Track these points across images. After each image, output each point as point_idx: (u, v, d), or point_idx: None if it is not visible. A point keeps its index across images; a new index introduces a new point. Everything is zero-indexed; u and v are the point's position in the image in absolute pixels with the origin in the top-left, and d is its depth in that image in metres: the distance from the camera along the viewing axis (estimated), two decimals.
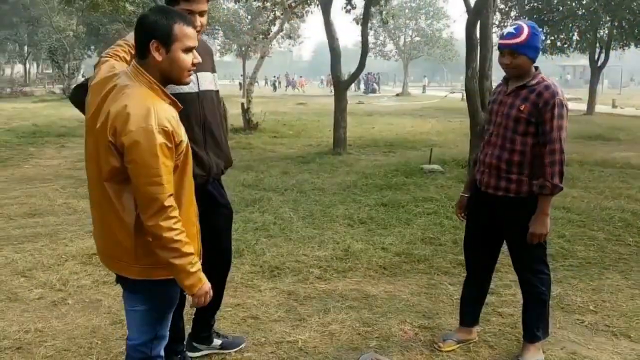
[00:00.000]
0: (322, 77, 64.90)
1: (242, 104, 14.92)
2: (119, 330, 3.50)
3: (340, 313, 3.86)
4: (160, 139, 1.93)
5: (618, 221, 6.18)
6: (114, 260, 2.17)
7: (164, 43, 2.01)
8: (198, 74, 2.78)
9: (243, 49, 33.99)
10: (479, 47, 8.01)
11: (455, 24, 77.36)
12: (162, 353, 2.32)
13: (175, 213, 2.01)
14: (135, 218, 2.04)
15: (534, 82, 3.03)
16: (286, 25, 22.25)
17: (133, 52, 2.35)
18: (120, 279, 2.23)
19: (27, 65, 39.28)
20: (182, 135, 2.06)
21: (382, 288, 4.32)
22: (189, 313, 3.30)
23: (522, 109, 3.01)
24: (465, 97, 30.03)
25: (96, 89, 2.09)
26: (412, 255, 5.02)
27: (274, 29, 16.62)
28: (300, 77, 54.55)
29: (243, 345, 3.34)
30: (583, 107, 23.86)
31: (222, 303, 3.81)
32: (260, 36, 17.84)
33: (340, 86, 11.35)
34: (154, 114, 1.94)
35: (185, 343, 3.14)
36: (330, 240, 5.39)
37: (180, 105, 2.14)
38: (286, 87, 53.32)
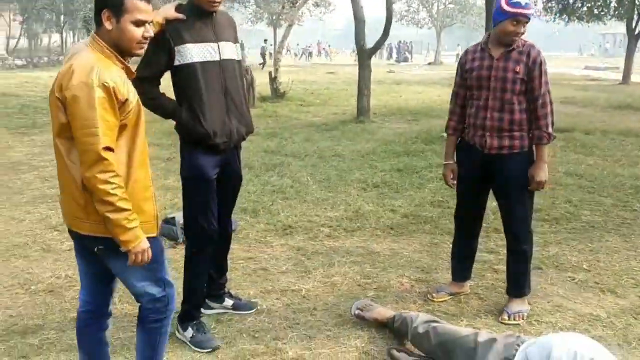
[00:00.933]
0: (354, 46, 64.26)
1: (270, 73, 15.12)
2: None
3: (344, 267, 4.14)
4: (99, 92, 2.02)
5: (629, 188, 6.28)
6: (72, 216, 2.24)
7: (114, 13, 2.11)
8: (220, 43, 2.92)
9: (274, 17, 33.96)
10: None
11: None
12: (174, 294, 2.43)
13: (112, 167, 2.07)
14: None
15: (520, 44, 3.25)
16: None
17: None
18: (95, 249, 2.25)
19: (64, 35, 39.97)
20: (129, 94, 2.14)
21: (386, 246, 4.59)
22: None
23: (517, 70, 3.21)
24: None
25: (65, 60, 2.23)
26: (419, 216, 5.25)
27: None
28: (329, 45, 54.02)
29: (254, 310, 3.43)
30: (620, 76, 23.35)
31: (235, 257, 4.16)
32: (288, 4, 17.91)
33: (364, 55, 11.46)
34: (96, 70, 2.04)
35: (201, 310, 3.28)
36: (343, 202, 5.65)
37: (133, 72, 2.28)
38: (317, 55, 53.10)
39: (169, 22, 2.80)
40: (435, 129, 10.05)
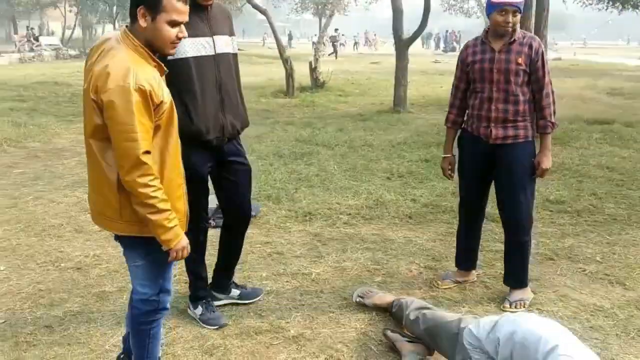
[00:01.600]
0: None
1: (310, 63, 15.25)
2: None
3: (356, 253, 4.27)
4: (136, 96, 2.02)
5: None
6: (103, 217, 2.30)
7: (150, 11, 2.10)
8: (214, 37, 2.97)
9: (320, 7, 34.05)
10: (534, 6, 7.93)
11: None
12: (169, 305, 2.50)
13: (152, 171, 2.10)
14: (118, 175, 2.14)
15: (520, 35, 3.32)
16: None
17: None
18: (117, 237, 2.37)
19: (116, 25, 41.13)
20: (164, 96, 2.16)
21: (402, 234, 4.68)
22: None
23: (519, 61, 3.27)
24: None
25: (91, 54, 2.22)
26: (439, 206, 5.32)
27: None
28: (374, 35, 53.33)
29: (260, 297, 3.52)
30: None
31: (253, 241, 4.34)
32: None
33: (401, 45, 11.46)
34: (132, 73, 2.04)
35: (208, 290, 3.40)
36: (365, 191, 5.76)
37: (165, 69, 2.28)
38: (364, 45, 52.81)
39: None
40: None
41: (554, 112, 3.37)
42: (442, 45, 47.01)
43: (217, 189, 3.28)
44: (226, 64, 3.06)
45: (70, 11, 40.58)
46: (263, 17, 15.72)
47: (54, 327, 3.19)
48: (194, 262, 3.28)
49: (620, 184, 6.10)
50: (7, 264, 4.01)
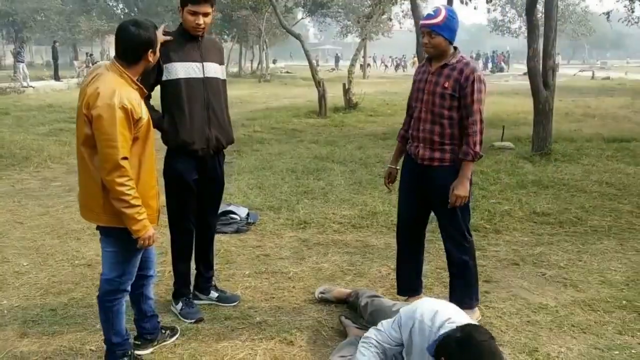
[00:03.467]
0: None
1: (344, 85, 15.78)
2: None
3: (336, 256, 4.69)
4: (120, 113, 2.55)
5: None
6: (89, 210, 2.80)
7: (154, 49, 2.80)
8: (204, 63, 3.46)
9: (362, 30, 34.71)
10: (543, 27, 8.20)
11: None
12: (129, 288, 2.95)
13: (127, 173, 2.60)
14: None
15: (454, 60, 3.33)
16: (396, 6, 22.63)
17: None
18: (98, 227, 2.87)
19: None
20: (142, 114, 2.68)
21: (383, 241, 5.07)
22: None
23: (446, 85, 3.30)
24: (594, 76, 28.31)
25: (86, 79, 2.78)
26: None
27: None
28: (413, 56, 53.40)
29: (236, 303, 3.81)
30: None
31: (246, 245, 4.82)
32: (363, 19, 18.51)
33: None
34: (117, 94, 2.57)
35: (190, 288, 3.81)
36: (362, 203, 6.17)
37: (145, 91, 2.85)
38: (411, 66, 53.13)
39: (161, 44, 3.30)
40: (488, 140, 10.22)
41: (479, 142, 3.30)
42: (489, 65, 46.81)
43: (193, 199, 3.68)
44: (214, 87, 3.53)
45: None
46: (315, 40, 16.38)
47: (58, 311, 3.74)
48: (180, 261, 3.76)
49: (613, 198, 6.30)
50: (29, 261, 4.62)
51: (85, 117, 2.62)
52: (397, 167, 3.77)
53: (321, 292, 3.86)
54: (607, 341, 3.33)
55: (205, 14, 3.38)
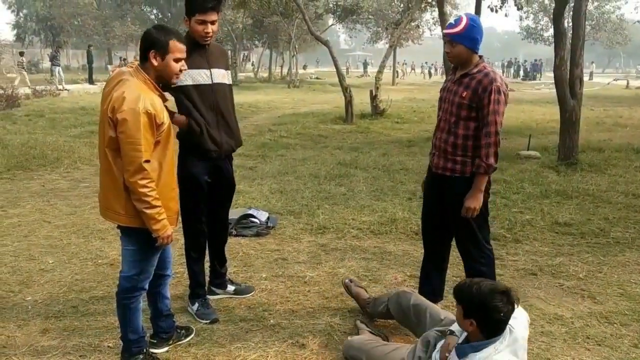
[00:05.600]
0: None
1: (371, 91, 15.80)
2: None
3: (352, 261, 4.72)
4: (144, 118, 2.64)
5: None
6: (110, 211, 2.87)
7: (160, 53, 2.80)
8: (212, 69, 3.57)
9: (391, 37, 34.70)
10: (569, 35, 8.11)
11: (627, 5, 69.27)
12: (146, 287, 3.05)
13: (149, 175, 2.70)
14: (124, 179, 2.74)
15: (475, 70, 3.29)
16: (426, 13, 22.57)
17: None
18: (119, 226, 2.94)
19: None
20: (164, 118, 2.77)
21: (402, 247, 5.08)
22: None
23: (463, 95, 3.28)
24: (628, 85, 28.01)
25: (109, 83, 2.84)
26: None
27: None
28: (438, 64, 53.12)
29: (253, 293, 4.05)
30: None
31: (265, 248, 4.88)
32: (392, 26, 18.51)
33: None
34: (142, 100, 2.66)
35: (205, 288, 3.92)
36: (382, 209, 6.19)
37: (165, 97, 2.91)
38: (442, 73, 52.91)
39: None
40: (516, 148, 10.14)
41: (494, 154, 3.26)
42: (521, 73, 46.33)
43: (205, 200, 3.77)
44: (222, 92, 3.65)
45: None
46: (345, 46, 16.49)
47: (79, 307, 3.86)
48: (194, 262, 3.84)
49: (638, 210, 6.19)
50: (55, 259, 4.76)
51: (110, 120, 2.71)
52: None
53: (351, 280, 3.87)
54: (621, 354, 3.29)
55: (213, 22, 3.47)
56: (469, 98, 3.28)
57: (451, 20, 3.42)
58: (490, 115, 3.23)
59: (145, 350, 3.15)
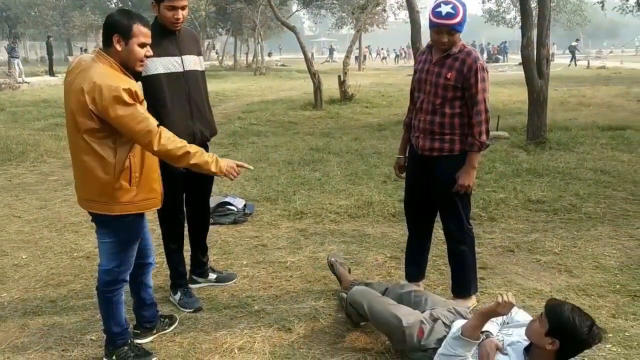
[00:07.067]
0: None
1: (339, 76, 15.77)
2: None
3: (332, 245, 4.73)
4: (125, 95, 2.54)
5: None
6: (87, 200, 2.80)
7: (123, 37, 2.65)
8: (183, 56, 3.46)
9: (357, 22, 34.66)
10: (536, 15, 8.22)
11: None
12: (127, 278, 2.98)
13: (168, 133, 2.63)
14: (114, 165, 2.66)
15: (456, 50, 3.30)
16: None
17: None
18: (94, 219, 2.87)
19: None
20: (142, 96, 2.69)
21: (380, 230, 5.11)
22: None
23: (448, 77, 3.28)
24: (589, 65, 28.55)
25: (71, 72, 2.72)
26: None
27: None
28: (404, 48, 53.17)
29: (235, 280, 4.02)
30: None
31: (244, 235, 4.85)
32: (358, 10, 18.48)
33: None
34: (116, 82, 2.56)
35: (187, 278, 3.87)
36: (358, 193, 6.20)
37: (132, 78, 2.72)
38: (406, 58, 53.19)
39: None
40: None
41: (486, 132, 3.33)
42: (484, 56, 46.81)
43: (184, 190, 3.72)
44: (194, 79, 3.55)
45: None
46: (310, 32, 16.39)
47: (57, 302, 3.78)
48: (173, 252, 3.79)
49: (608, 185, 6.34)
50: (28, 254, 4.65)
51: (92, 112, 2.59)
52: (405, 156, 3.74)
53: (334, 259, 3.85)
54: (601, 324, 3.33)
55: (183, 7, 3.38)
56: (454, 79, 3.29)
57: (448, 9, 3.21)
58: (479, 93, 3.28)
59: (129, 341, 3.10)
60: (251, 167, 3.03)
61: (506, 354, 2.61)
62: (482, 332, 2.70)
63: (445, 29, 3.25)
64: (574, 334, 2.39)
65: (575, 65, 34.42)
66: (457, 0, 3.29)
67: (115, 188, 2.72)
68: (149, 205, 2.90)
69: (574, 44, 36.64)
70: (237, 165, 2.89)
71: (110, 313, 2.99)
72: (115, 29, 2.69)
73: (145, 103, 2.77)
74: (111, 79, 2.60)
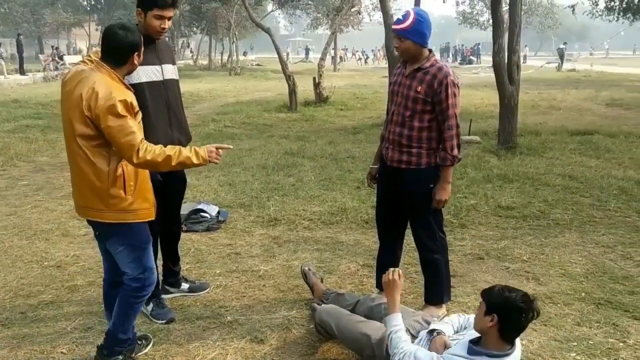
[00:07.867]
0: None
1: (314, 78, 15.81)
2: None
3: (306, 253, 4.76)
4: (121, 106, 2.63)
5: (615, 189, 6.52)
6: (90, 209, 2.82)
7: (140, 52, 2.85)
8: (162, 66, 3.52)
9: (332, 22, 34.76)
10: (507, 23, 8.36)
11: None
12: (154, 281, 3.03)
13: (147, 145, 2.68)
14: (107, 173, 2.73)
15: (427, 64, 3.35)
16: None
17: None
18: (98, 233, 2.94)
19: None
20: (137, 107, 2.77)
21: (353, 237, 5.16)
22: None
23: (418, 90, 3.33)
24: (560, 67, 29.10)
25: (69, 81, 2.79)
26: None
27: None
28: (379, 50, 53.50)
29: (208, 290, 4.02)
30: None
31: (217, 243, 4.85)
32: (332, 12, 18.55)
33: (393, 60, 11.92)
34: (114, 91, 2.66)
35: (159, 288, 3.77)
36: (332, 199, 6.25)
37: (132, 90, 2.83)
38: (382, 59, 53.48)
39: None
40: None
41: (457, 146, 3.37)
42: (458, 58, 47.35)
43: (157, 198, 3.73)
44: (172, 88, 3.61)
45: (97, 29, 42.24)
46: (285, 32, 16.40)
47: (27, 313, 3.74)
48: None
49: (575, 191, 6.49)
50: None
51: (88, 118, 2.68)
52: (378, 166, 3.77)
53: (309, 269, 3.87)
54: (566, 333, 3.47)
55: (169, 18, 3.42)
56: (424, 92, 3.34)
57: (399, 15, 3.42)
58: (450, 108, 3.33)
59: (125, 353, 3.10)
60: (231, 147, 3.07)
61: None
62: (434, 331, 2.84)
63: (394, 33, 3.39)
64: (508, 303, 2.45)
65: (561, 69, 34.68)
66: (417, 11, 3.39)
67: (110, 195, 2.77)
68: (143, 215, 2.94)
69: (561, 46, 37.07)
70: (217, 148, 2.93)
71: (125, 318, 3.03)
72: (137, 47, 2.84)
73: (140, 114, 2.82)
74: (109, 88, 2.70)
